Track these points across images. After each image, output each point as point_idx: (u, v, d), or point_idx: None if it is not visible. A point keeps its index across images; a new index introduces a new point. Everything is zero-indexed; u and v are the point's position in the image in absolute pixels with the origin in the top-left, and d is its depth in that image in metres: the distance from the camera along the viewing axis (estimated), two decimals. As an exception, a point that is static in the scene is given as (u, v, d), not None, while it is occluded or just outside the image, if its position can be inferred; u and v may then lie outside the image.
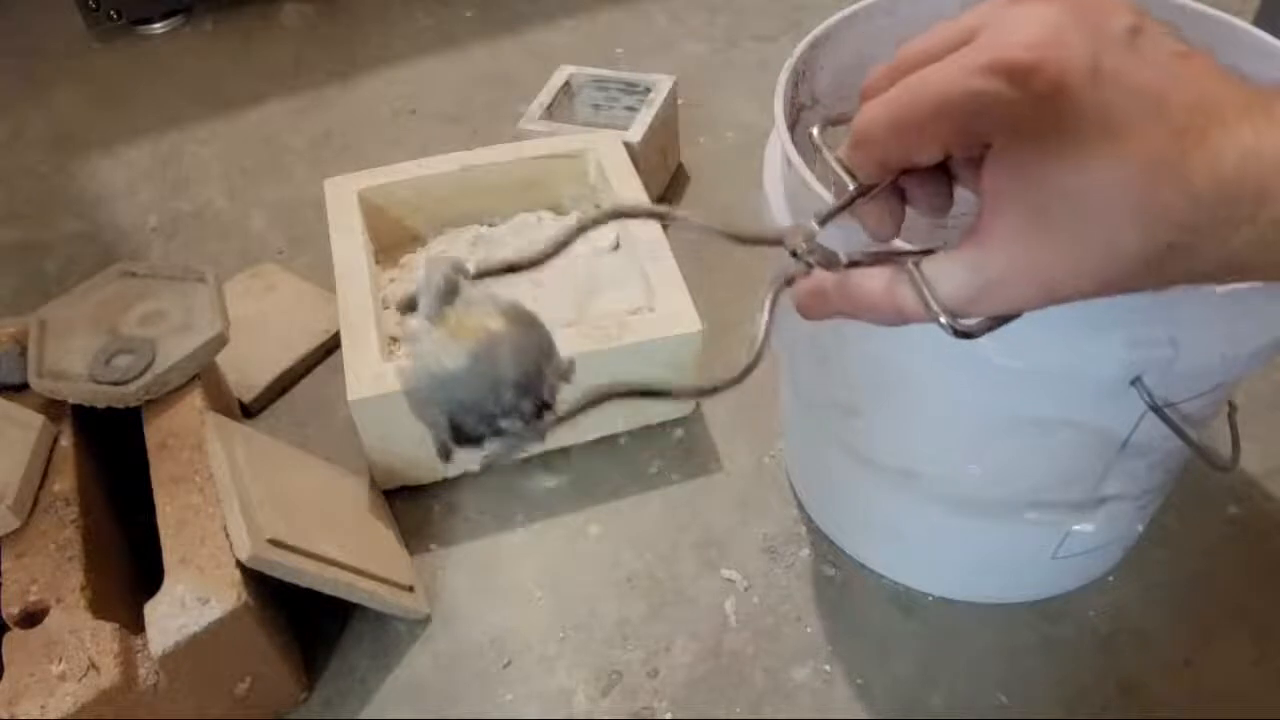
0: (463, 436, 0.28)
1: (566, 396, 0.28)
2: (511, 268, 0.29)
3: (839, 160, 0.31)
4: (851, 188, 0.31)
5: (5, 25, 1.30)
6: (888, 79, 0.28)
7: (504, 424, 0.27)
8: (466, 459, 0.28)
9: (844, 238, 0.32)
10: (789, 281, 0.31)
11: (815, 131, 0.34)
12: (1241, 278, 0.27)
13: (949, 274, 0.28)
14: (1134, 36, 0.25)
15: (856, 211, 0.31)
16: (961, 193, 0.31)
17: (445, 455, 0.28)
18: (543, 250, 0.30)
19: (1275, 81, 0.47)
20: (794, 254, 0.31)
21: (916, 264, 0.29)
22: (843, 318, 0.31)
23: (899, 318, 0.29)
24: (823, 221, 0.31)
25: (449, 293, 0.28)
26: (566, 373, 0.28)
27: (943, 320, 0.28)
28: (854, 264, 0.31)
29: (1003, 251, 0.27)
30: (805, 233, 0.31)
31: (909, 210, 0.32)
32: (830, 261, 0.31)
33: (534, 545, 0.68)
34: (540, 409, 0.27)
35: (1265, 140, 0.24)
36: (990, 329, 0.29)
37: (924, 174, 0.31)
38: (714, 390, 0.29)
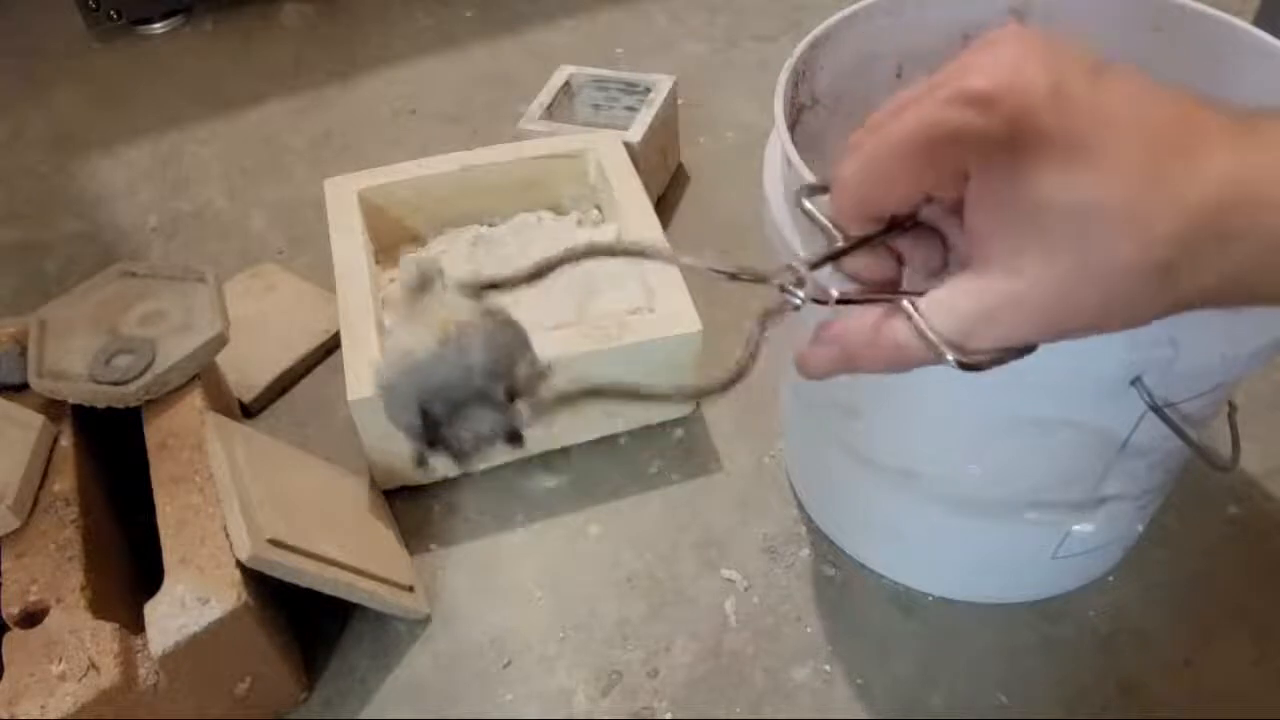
0: (435, 432, 0.28)
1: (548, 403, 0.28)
2: (492, 285, 0.29)
3: (828, 218, 0.31)
4: (841, 242, 0.30)
5: (5, 25, 1.30)
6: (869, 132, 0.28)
7: (475, 413, 0.27)
8: (445, 464, 0.29)
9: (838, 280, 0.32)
10: (778, 311, 0.31)
11: (805, 200, 0.34)
12: (1248, 301, 0.27)
13: (945, 307, 0.28)
14: (1097, 72, 0.25)
15: (848, 267, 0.31)
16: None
17: (421, 460, 0.29)
18: (525, 272, 0.30)
19: (1263, 96, 0.47)
20: (782, 288, 0.30)
21: (913, 301, 0.28)
22: (843, 371, 0.31)
23: (898, 355, 0.29)
24: (813, 266, 0.30)
25: (423, 289, 0.28)
26: (544, 373, 0.28)
27: (949, 356, 0.27)
28: (845, 301, 0.31)
29: (997, 278, 0.27)
30: (795, 275, 0.30)
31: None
32: (821, 297, 0.30)
33: (534, 545, 0.68)
34: (512, 398, 0.27)
35: (1252, 158, 0.24)
36: (998, 362, 0.28)
37: (916, 233, 0.30)
38: (698, 394, 0.29)
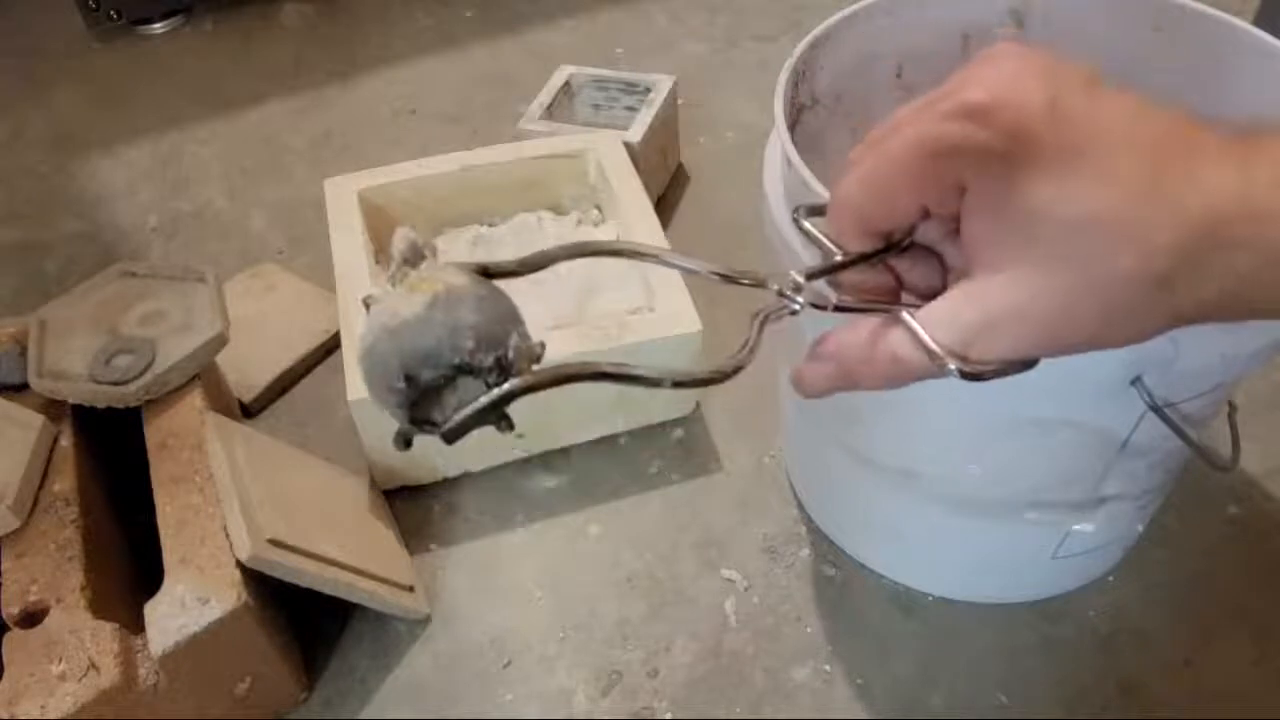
0: (419, 404, 0.26)
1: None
2: (486, 271, 0.29)
3: (826, 235, 0.31)
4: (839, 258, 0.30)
5: (5, 25, 1.30)
6: (868, 148, 0.28)
7: (461, 382, 0.26)
8: (430, 444, 0.27)
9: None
10: (776, 313, 0.31)
11: (803, 220, 0.33)
12: (1247, 315, 0.27)
13: (946, 316, 0.28)
14: (1094, 87, 0.26)
15: (846, 282, 0.31)
16: None
17: (406, 440, 0.27)
18: (519, 262, 0.29)
19: (1263, 96, 0.47)
20: (780, 293, 0.30)
21: (912, 312, 0.28)
22: (840, 388, 0.31)
23: (896, 368, 0.29)
24: (808, 277, 0.30)
25: (413, 258, 0.27)
26: (534, 350, 0.27)
27: (951, 365, 0.27)
28: (843, 309, 0.30)
29: (999, 288, 0.27)
30: (791, 282, 0.30)
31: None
32: (819, 303, 0.30)
33: (534, 545, 0.68)
34: (502, 370, 0.26)
35: (1253, 172, 0.24)
36: (1000, 374, 0.28)
37: (914, 254, 0.30)
38: (691, 382, 0.28)
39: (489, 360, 0.26)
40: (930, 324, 0.28)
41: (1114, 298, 0.25)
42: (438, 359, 0.25)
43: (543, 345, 0.27)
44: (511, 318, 0.27)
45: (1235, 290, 0.25)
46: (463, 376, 0.26)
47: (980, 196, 0.26)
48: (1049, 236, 0.25)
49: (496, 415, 0.26)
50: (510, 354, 0.26)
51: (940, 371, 0.28)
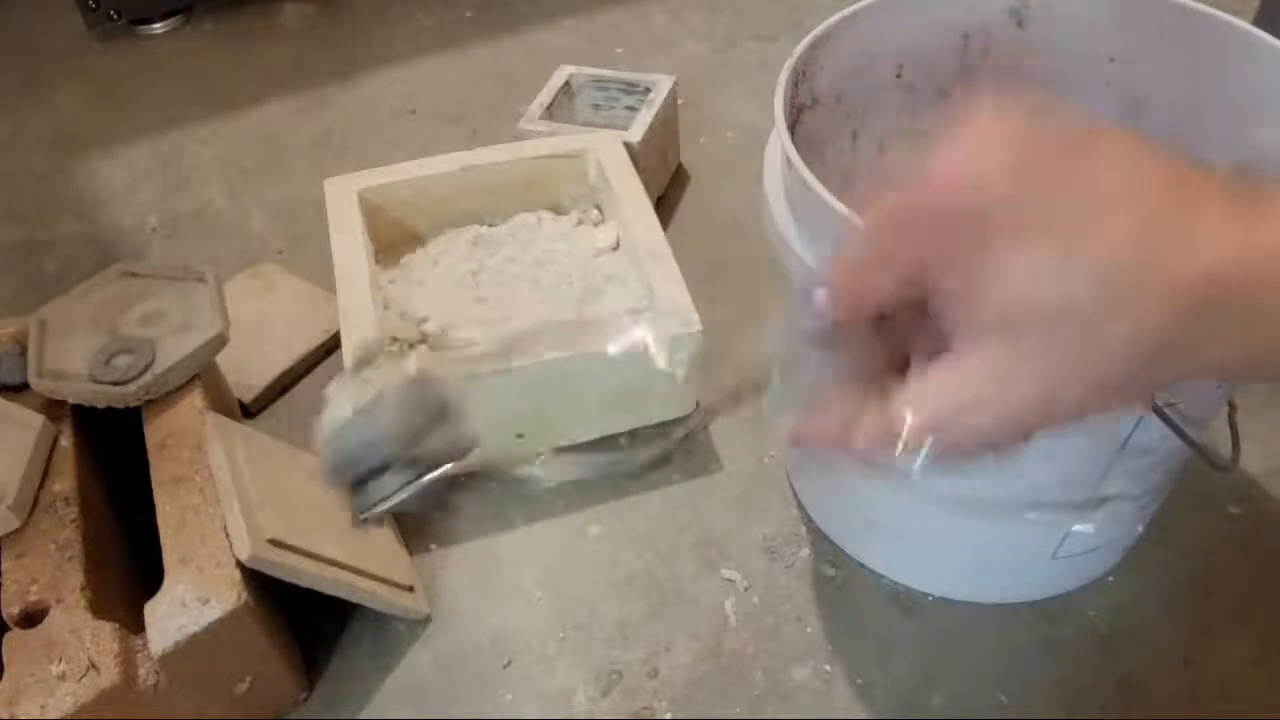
0: (358, 486, 0.31)
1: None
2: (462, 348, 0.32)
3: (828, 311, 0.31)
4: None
5: (5, 25, 1.30)
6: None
7: (387, 475, 0.31)
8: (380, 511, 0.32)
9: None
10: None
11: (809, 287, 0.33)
12: (1250, 378, 0.26)
13: (924, 396, 0.26)
14: (1072, 147, 0.24)
15: (838, 348, 0.31)
16: None
17: (356, 519, 0.31)
18: (483, 353, 0.34)
19: (1263, 96, 0.47)
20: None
21: (897, 388, 0.27)
22: (825, 452, 0.31)
23: (874, 443, 0.28)
24: (809, 346, 0.30)
25: (365, 361, 0.32)
26: (461, 443, 0.31)
27: (926, 446, 0.26)
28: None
29: (973, 367, 0.25)
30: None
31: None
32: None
33: (534, 545, 0.68)
34: (422, 465, 0.30)
35: (1255, 237, 0.23)
36: (983, 452, 0.27)
37: (923, 315, 0.29)
38: (653, 462, 0.30)
39: (407, 457, 0.30)
40: (911, 403, 0.27)
41: (1101, 376, 0.24)
42: (364, 456, 0.30)
43: (473, 439, 0.32)
44: (439, 415, 0.31)
45: (1237, 355, 0.24)
46: (390, 469, 0.31)
47: (944, 272, 0.25)
48: (1020, 318, 0.24)
49: (431, 502, 0.31)
50: (427, 454, 0.31)
51: (920, 447, 0.27)
